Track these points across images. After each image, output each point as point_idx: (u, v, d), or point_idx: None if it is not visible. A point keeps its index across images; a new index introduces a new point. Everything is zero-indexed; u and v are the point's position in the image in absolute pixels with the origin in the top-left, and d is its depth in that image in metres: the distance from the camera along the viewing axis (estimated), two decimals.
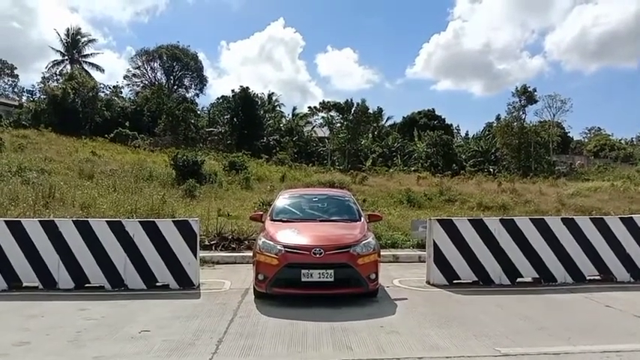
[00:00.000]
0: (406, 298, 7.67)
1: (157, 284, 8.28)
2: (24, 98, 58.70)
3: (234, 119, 50.63)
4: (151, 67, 66.47)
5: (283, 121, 58.00)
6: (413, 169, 43.32)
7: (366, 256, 7.35)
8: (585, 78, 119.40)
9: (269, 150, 46.15)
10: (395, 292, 8.08)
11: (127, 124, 48.83)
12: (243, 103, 50.34)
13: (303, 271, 7.09)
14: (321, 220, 8.47)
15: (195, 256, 8.35)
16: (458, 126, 64.55)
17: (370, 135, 52.85)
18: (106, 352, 5.26)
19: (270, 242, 7.50)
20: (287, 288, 7.26)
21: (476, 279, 8.57)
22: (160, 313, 6.84)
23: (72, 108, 45.89)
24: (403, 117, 60.74)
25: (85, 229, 8.28)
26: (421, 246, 11.72)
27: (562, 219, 9.07)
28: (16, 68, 68.60)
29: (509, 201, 25.09)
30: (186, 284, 8.29)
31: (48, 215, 13.12)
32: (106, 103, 51.71)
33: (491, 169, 46.82)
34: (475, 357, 5.12)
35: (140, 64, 66.45)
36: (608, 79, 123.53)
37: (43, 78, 58.35)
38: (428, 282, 8.69)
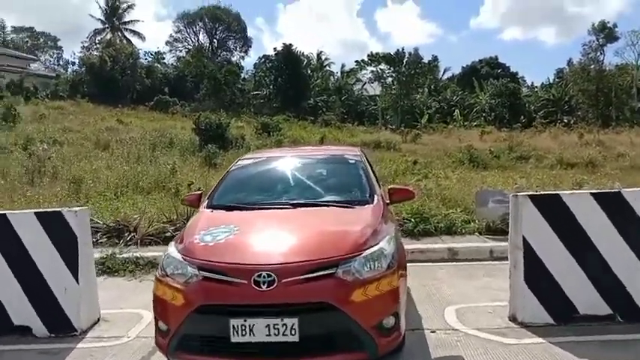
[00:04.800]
0: None
1: (17, 326, 4.62)
2: (69, 70, 57.69)
3: (279, 79, 47.13)
4: (193, 31, 64.04)
5: (332, 79, 53.83)
6: (475, 123, 38.64)
7: (373, 283, 3.36)
8: None
9: (316, 111, 42.59)
10: (447, 350, 3.95)
11: (166, 90, 46.59)
12: (287, 61, 46.65)
13: (233, 321, 3.23)
14: (295, 205, 4.31)
15: (75, 277, 4.58)
16: (523, 77, 57.81)
17: (426, 89, 47.68)
18: None
19: (177, 257, 3.63)
20: (202, 355, 3.40)
21: (609, 311, 4.30)
22: None
23: (111, 76, 44.35)
24: (462, 67, 54.86)
25: None
26: (493, 231, 7.52)
27: None
28: (59, 40, 68.17)
29: (597, 155, 21.06)
30: (60, 327, 4.54)
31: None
32: (147, 70, 49.30)
33: (566, 120, 41.33)
34: None
35: (182, 27, 63.97)
36: None
37: (83, 48, 57.01)
38: (513, 318, 4.45)
